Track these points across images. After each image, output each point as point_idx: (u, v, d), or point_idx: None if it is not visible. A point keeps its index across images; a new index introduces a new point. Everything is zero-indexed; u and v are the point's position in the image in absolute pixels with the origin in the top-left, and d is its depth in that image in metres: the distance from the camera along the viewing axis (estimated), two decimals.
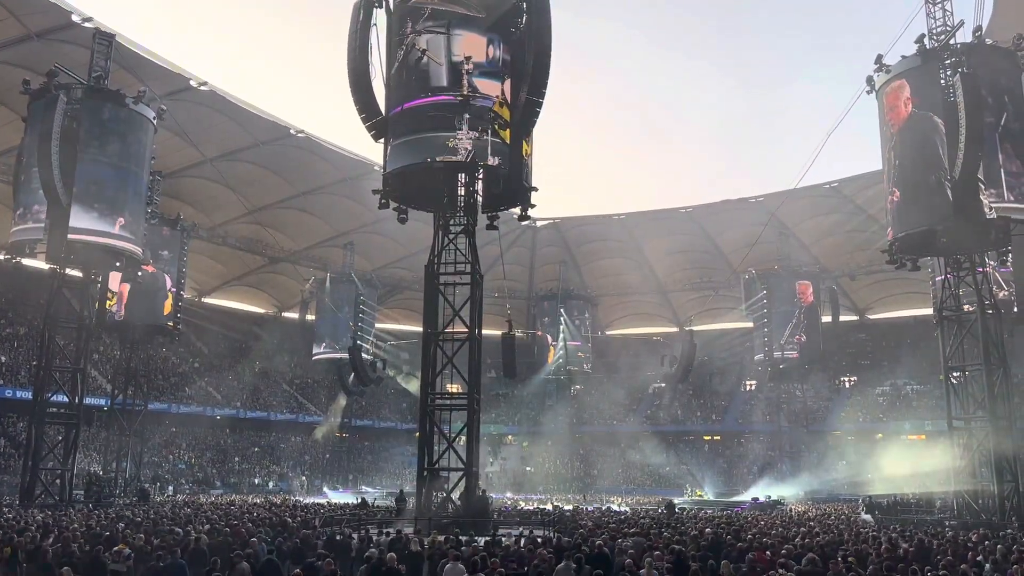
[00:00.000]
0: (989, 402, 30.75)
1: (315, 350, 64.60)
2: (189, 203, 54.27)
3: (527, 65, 28.00)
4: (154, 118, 36.32)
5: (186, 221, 49.00)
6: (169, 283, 45.50)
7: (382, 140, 29.76)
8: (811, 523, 27.23)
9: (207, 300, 66.83)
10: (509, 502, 46.49)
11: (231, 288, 68.02)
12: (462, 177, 29.79)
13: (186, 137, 45.28)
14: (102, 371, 51.24)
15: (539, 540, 19.17)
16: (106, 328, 42.81)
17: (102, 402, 46.60)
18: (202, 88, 46.75)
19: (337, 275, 63.04)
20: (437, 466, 28.53)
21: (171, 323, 45.51)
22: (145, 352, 46.95)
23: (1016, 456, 31.36)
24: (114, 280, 40.80)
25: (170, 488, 46.58)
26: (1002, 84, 30.70)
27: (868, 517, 34.64)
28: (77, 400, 34.89)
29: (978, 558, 15.98)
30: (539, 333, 69.73)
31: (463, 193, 29.82)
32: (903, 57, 32.10)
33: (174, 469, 51.56)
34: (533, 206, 30.82)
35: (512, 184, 29.53)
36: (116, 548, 15.87)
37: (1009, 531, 24.27)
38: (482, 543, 18.20)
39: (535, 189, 30.61)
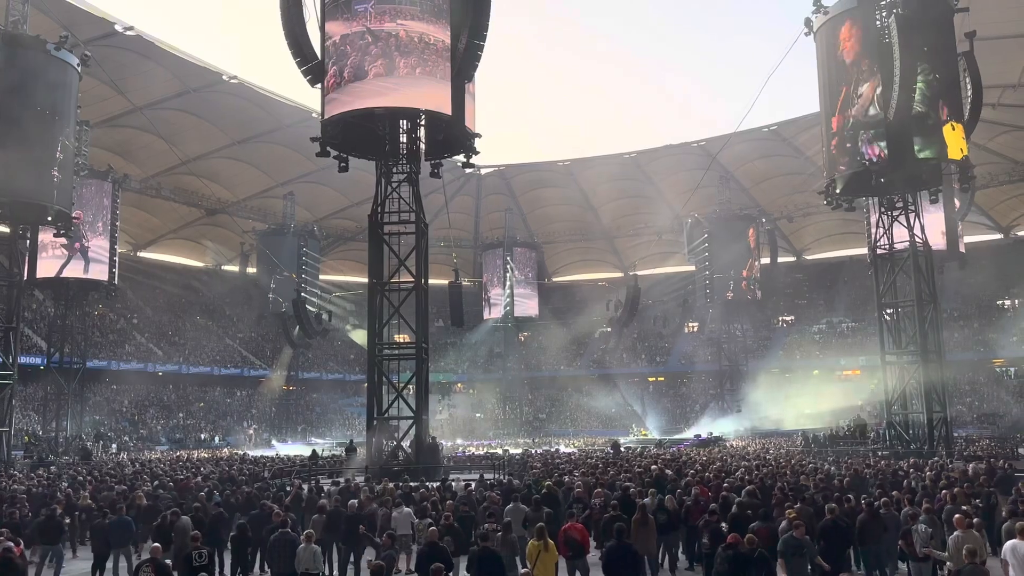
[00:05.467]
0: (920, 337, 31.97)
1: (257, 304, 63.67)
2: (119, 154, 52.32)
3: (467, 8, 27.49)
4: (78, 65, 34.63)
5: (117, 173, 47.41)
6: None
7: (319, 85, 29.04)
8: (751, 457, 28.26)
9: (143, 254, 65.05)
10: (459, 448, 47.00)
11: (168, 241, 66.25)
12: (403, 124, 29.32)
13: (113, 85, 43.41)
14: (37, 329, 49.73)
15: (490, 483, 19.49)
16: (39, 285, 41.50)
17: (38, 361, 45.37)
18: (128, 33, 44.69)
19: (278, 227, 61.84)
20: (387, 415, 28.63)
21: None
22: (81, 309, 45.67)
23: (945, 388, 32.85)
24: None
25: (114, 446, 45.83)
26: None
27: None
28: (12, 359, 33.86)
29: (912, 485, 16.75)
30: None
31: (405, 140, 29.38)
32: None
33: (117, 427, 50.68)
34: (477, 153, 30.56)
35: (455, 131, 29.18)
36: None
37: (937, 458, 25.53)
38: (433, 488, 18.41)
39: (478, 135, 30.32)
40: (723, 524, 12.27)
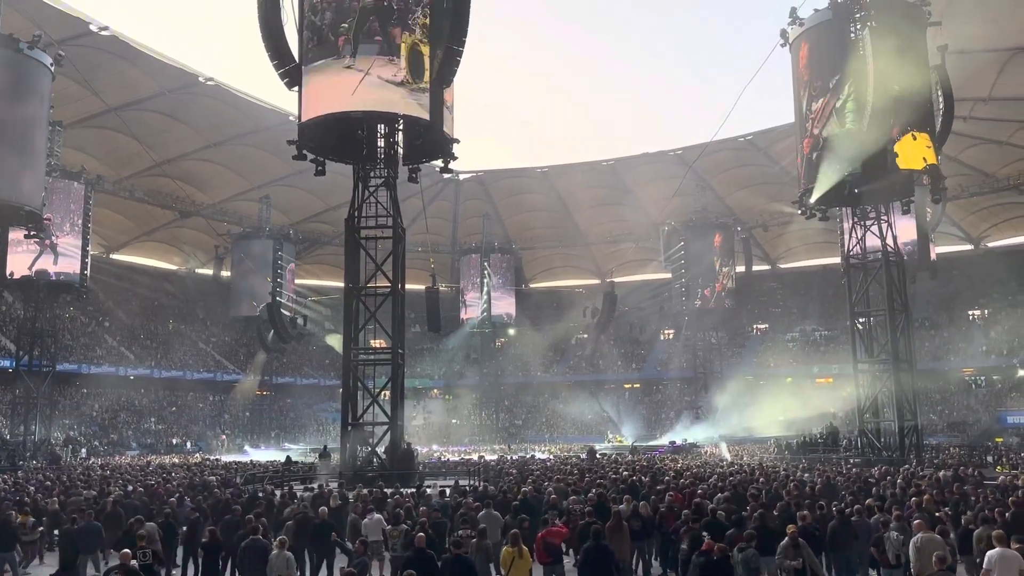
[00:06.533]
0: (892, 345, 32.35)
1: (231, 307, 63.12)
2: (93, 155, 51.61)
3: (446, 12, 27.51)
4: (51, 64, 34.21)
5: (90, 174, 46.83)
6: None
7: (296, 88, 28.89)
8: (724, 464, 28.42)
9: (116, 257, 64.21)
10: (435, 454, 46.82)
11: (141, 244, 65.42)
12: (382, 128, 29.24)
13: (87, 85, 42.90)
14: (6, 331, 48.92)
15: (465, 490, 19.42)
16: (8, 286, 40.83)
17: (7, 363, 44.62)
18: (103, 33, 44.18)
19: (253, 230, 61.33)
20: (361, 421, 28.47)
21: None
22: (51, 311, 45.00)
23: (916, 396, 33.24)
24: None
25: (83, 451, 45.14)
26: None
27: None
28: None
29: (882, 492, 16.92)
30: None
31: (383, 145, 29.30)
32: (815, 11, 32.80)
33: (87, 431, 49.95)
34: (455, 158, 30.52)
35: (433, 136, 29.16)
36: (20, 520, 15.26)
37: (907, 466, 25.81)
38: (408, 494, 18.33)
39: (457, 141, 30.29)
40: (705, 533, 12.29)
